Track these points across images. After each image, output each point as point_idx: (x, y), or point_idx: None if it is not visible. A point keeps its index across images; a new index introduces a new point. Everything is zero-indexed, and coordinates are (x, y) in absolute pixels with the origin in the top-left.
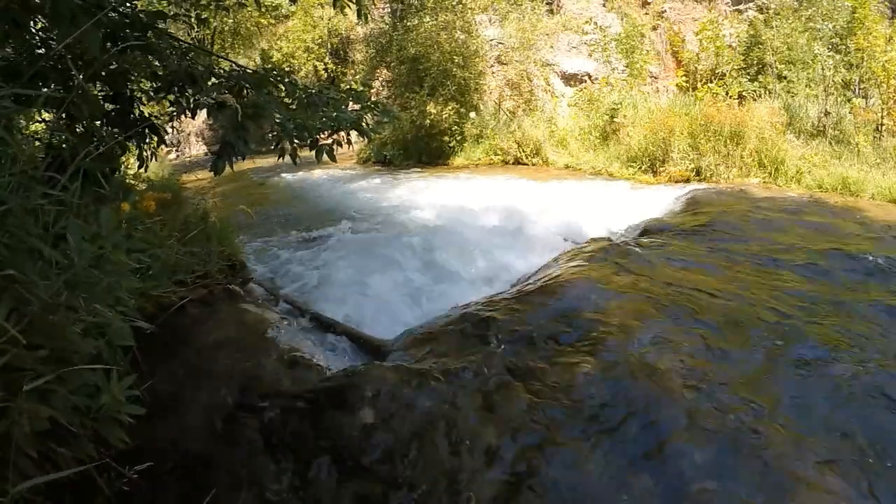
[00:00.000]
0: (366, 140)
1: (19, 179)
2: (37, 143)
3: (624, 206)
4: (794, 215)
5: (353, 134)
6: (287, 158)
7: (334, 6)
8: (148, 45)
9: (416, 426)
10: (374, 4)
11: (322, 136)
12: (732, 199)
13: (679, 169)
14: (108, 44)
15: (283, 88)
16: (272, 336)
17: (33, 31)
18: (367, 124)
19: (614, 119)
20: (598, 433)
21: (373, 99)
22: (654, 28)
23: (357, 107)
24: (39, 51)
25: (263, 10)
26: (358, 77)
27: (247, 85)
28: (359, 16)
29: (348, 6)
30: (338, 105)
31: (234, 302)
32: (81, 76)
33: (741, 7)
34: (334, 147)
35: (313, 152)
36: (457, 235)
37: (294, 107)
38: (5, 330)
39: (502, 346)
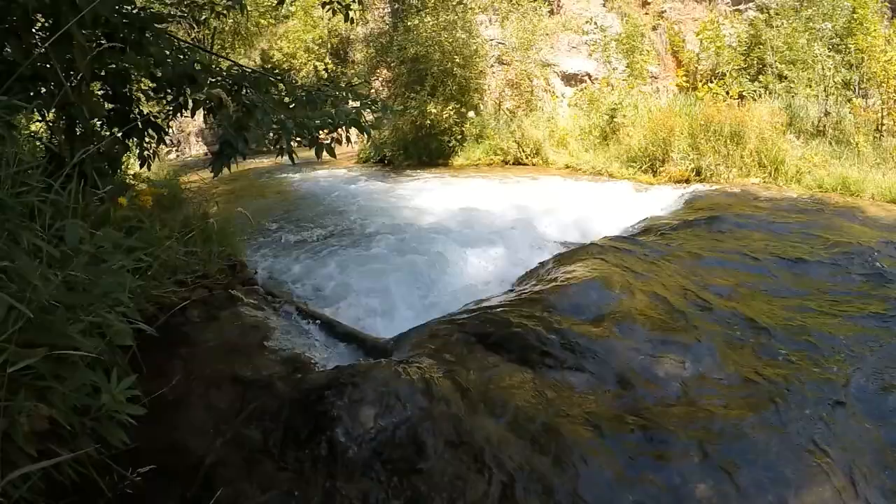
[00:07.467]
0: (366, 139)
1: (19, 179)
2: (37, 143)
3: (624, 206)
4: (794, 215)
5: (354, 133)
6: (287, 158)
7: (324, 7)
8: (146, 45)
9: (416, 426)
10: (374, 5)
11: (321, 133)
12: (733, 199)
13: (679, 169)
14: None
15: (283, 87)
16: (272, 336)
17: (32, 31)
18: (366, 121)
19: (614, 119)
20: (601, 435)
21: (371, 96)
22: (655, 28)
23: (356, 104)
24: (39, 50)
25: (263, 10)
26: (358, 77)
27: (246, 84)
28: (346, 19)
29: (338, 9)
30: (337, 102)
31: (235, 302)
32: (82, 77)
33: (741, 7)
34: (333, 144)
35: (313, 150)
36: (457, 236)
37: (293, 105)
38: (4, 328)
39: (502, 347)
